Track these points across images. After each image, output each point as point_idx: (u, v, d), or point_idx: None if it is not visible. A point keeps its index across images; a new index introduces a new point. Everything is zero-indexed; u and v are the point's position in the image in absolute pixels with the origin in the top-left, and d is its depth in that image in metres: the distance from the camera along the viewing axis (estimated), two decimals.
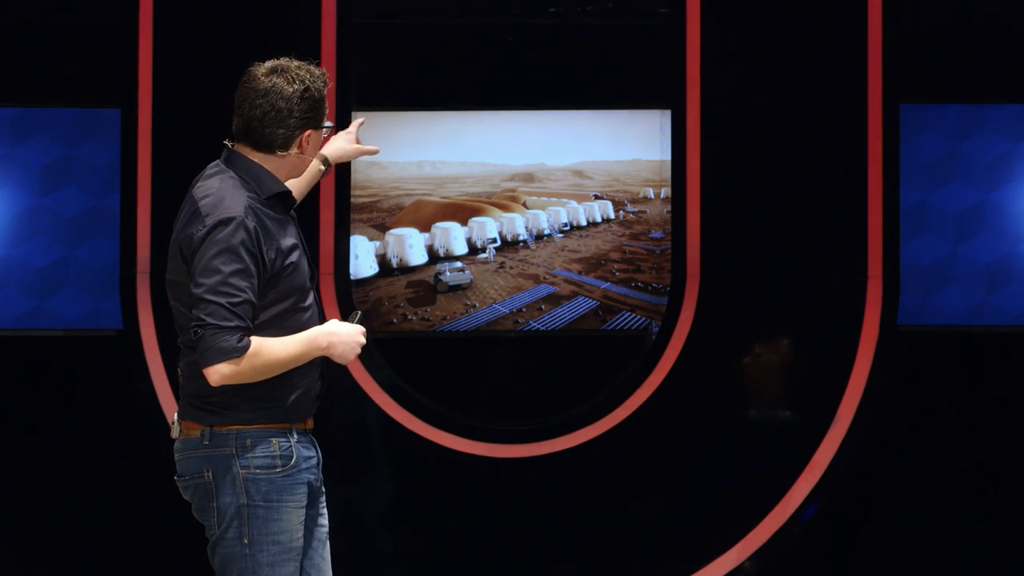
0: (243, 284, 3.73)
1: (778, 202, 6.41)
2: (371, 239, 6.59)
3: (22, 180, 6.56)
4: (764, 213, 6.41)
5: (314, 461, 3.89)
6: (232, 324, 3.71)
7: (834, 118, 6.41)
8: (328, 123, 3.95)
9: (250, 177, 3.86)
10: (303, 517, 3.85)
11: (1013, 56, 6.54)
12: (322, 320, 3.93)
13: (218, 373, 3.73)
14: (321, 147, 4.13)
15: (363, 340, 3.90)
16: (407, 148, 6.61)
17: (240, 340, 3.71)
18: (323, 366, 3.95)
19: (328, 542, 3.99)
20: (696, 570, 6.34)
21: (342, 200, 6.42)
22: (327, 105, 3.95)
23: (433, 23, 6.56)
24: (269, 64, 3.91)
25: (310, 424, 3.92)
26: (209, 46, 6.39)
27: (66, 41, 6.53)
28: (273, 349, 3.76)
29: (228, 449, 3.80)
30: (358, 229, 6.55)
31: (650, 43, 6.55)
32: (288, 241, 3.84)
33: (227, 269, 3.72)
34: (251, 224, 3.76)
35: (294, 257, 3.84)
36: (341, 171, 6.40)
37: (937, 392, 6.53)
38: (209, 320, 3.71)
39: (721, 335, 6.41)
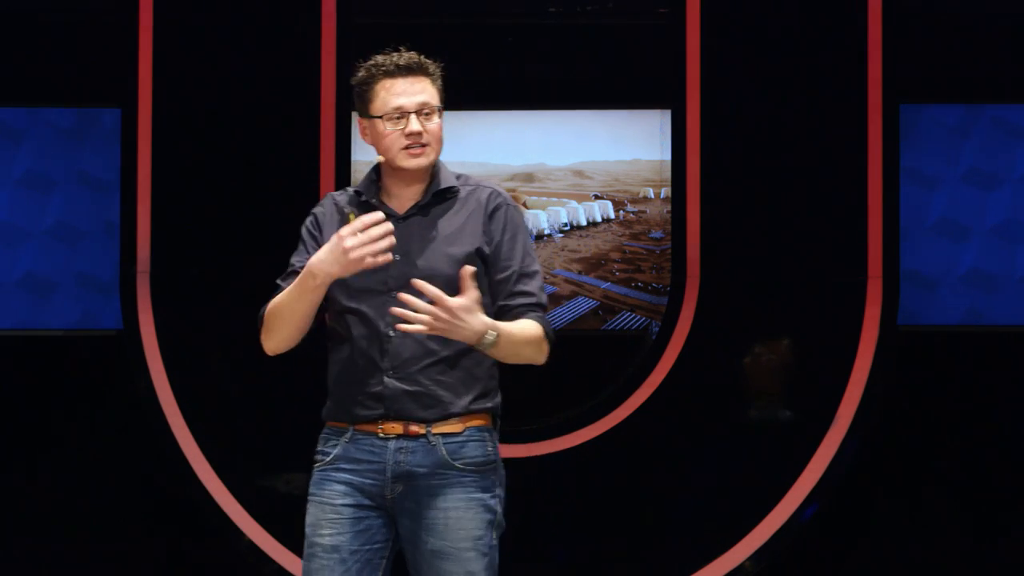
0: (293, 260, 3.90)
1: (778, 202, 6.41)
2: None
3: (22, 180, 6.56)
4: (764, 213, 6.41)
5: (374, 467, 3.78)
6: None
7: (834, 118, 6.40)
8: (375, 114, 3.82)
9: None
10: (331, 516, 3.80)
11: (1013, 56, 6.54)
12: (376, 332, 3.79)
13: None
14: (395, 137, 3.85)
15: (347, 243, 3.65)
16: None
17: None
18: (386, 367, 3.79)
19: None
20: (696, 570, 6.34)
21: None
22: (372, 93, 3.82)
23: (433, 23, 6.56)
24: None
25: (386, 429, 3.78)
26: (209, 46, 6.39)
27: (66, 41, 6.53)
28: (274, 300, 3.85)
29: None
30: None
31: (650, 43, 6.55)
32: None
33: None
34: (319, 211, 3.92)
35: None
36: (341, 171, 6.40)
37: (937, 392, 6.53)
38: None
39: (721, 335, 6.40)
